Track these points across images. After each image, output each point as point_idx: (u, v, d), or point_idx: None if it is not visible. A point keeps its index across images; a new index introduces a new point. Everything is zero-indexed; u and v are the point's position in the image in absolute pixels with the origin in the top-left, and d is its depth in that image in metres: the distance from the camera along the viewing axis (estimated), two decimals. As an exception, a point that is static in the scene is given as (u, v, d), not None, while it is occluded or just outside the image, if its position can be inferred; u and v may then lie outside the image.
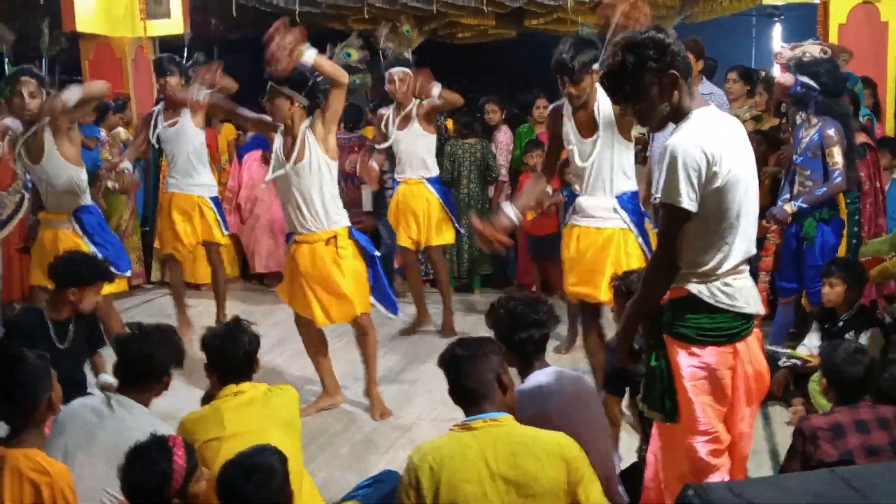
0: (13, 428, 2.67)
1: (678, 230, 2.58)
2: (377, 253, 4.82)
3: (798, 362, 4.65)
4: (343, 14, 9.51)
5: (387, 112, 6.04)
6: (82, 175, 4.98)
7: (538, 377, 3.10)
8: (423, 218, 6.04)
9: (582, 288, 4.40)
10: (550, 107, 4.58)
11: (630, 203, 4.38)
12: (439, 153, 6.57)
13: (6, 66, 5.75)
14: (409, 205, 6.05)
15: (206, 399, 3.36)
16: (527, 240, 7.06)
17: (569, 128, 4.31)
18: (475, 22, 9.14)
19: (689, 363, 2.65)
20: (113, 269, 4.48)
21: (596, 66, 4.10)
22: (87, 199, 5.05)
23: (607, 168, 4.29)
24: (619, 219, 4.32)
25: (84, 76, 8.23)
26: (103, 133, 7.10)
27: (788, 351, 4.80)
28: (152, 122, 5.92)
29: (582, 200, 4.39)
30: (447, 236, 6.17)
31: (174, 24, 8.13)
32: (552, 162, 4.56)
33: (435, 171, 6.17)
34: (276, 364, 5.48)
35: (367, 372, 4.82)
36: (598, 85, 4.16)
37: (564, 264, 4.53)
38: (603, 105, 4.22)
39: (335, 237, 4.57)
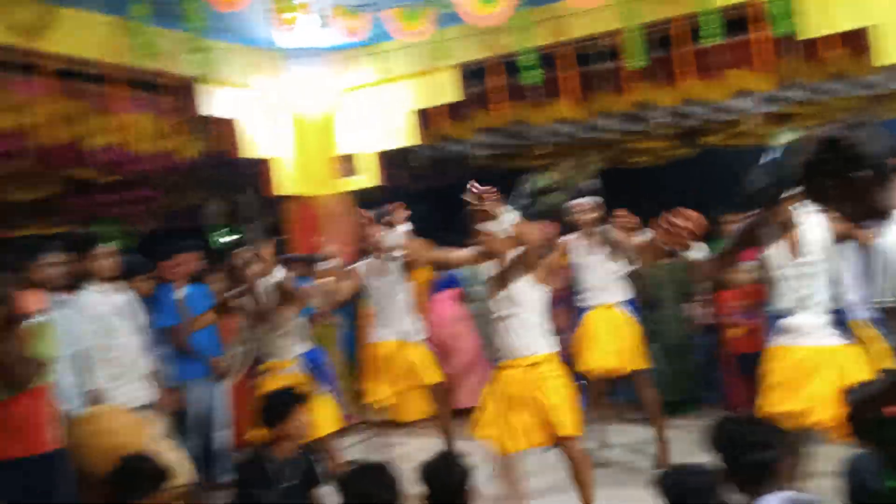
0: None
1: None
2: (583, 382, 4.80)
3: None
4: (520, 153, 9.89)
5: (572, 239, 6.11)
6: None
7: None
8: (621, 343, 5.93)
9: (788, 406, 4.17)
10: (753, 218, 4.48)
11: (842, 318, 4.18)
12: (638, 276, 6.53)
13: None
14: (601, 330, 5.97)
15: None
16: (734, 359, 6.82)
17: (775, 249, 4.24)
18: (651, 146, 9.23)
19: None
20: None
21: (791, 191, 4.04)
22: (309, 344, 5.43)
23: (819, 289, 4.17)
24: (836, 335, 4.13)
25: (288, 233, 8.92)
26: (313, 283, 7.57)
27: None
28: (363, 273, 6.19)
29: (796, 320, 4.24)
30: (646, 360, 6.03)
31: (366, 178, 8.71)
32: (729, 260, 4.47)
33: (625, 294, 6.11)
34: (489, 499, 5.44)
35: None
36: (804, 206, 4.09)
37: (767, 384, 4.33)
38: (811, 226, 4.12)
39: (540, 362, 4.60)
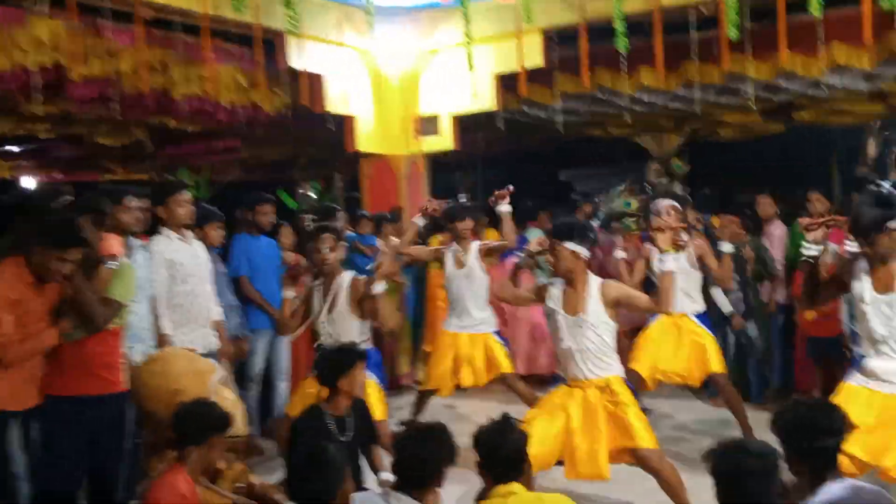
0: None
1: None
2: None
3: None
4: (602, 121, 9.70)
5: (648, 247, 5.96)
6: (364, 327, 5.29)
7: (832, 490, 2.85)
8: (693, 350, 5.75)
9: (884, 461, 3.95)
10: (853, 251, 4.19)
11: None
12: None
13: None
14: (669, 340, 5.79)
15: (479, 497, 3.40)
16: (806, 342, 6.65)
17: (863, 284, 4.03)
18: (740, 119, 8.94)
19: None
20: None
21: (892, 224, 3.85)
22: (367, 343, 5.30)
23: None
24: None
25: (363, 190, 8.98)
26: (379, 242, 7.62)
27: None
28: (444, 260, 6.21)
29: (876, 364, 4.03)
30: (721, 364, 5.83)
31: (443, 140, 8.69)
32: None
33: (700, 305, 5.95)
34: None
35: None
36: None
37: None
38: None
39: (608, 384, 4.45)
